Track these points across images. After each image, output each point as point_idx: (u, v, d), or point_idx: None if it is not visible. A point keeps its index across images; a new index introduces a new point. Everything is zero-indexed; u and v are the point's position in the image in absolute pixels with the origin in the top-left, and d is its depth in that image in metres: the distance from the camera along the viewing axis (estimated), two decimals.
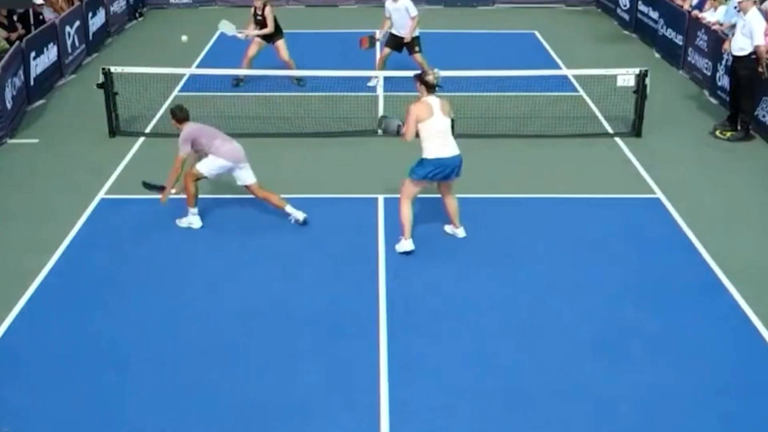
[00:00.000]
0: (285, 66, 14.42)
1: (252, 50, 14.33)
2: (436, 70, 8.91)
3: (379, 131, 9.20)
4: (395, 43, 14.13)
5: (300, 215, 9.61)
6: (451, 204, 9.25)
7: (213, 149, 9.43)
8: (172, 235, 9.48)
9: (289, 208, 9.66)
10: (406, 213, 8.92)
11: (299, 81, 14.52)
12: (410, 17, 13.86)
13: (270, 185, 10.61)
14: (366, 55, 15.34)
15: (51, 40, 14.67)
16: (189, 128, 9.57)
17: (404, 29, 13.94)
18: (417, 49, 14.09)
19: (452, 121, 8.92)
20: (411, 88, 14.06)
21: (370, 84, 14.13)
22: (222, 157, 9.41)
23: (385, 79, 13.73)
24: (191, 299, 8.25)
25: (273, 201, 9.68)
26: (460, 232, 9.36)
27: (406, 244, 8.96)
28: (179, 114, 9.69)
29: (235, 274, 8.72)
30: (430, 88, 8.81)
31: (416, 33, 14.08)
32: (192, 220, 9.67)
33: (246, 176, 9.61)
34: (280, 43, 14.41)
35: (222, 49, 17.19)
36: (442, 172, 8.80)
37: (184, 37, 14.02)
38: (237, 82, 14.55)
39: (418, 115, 8.69)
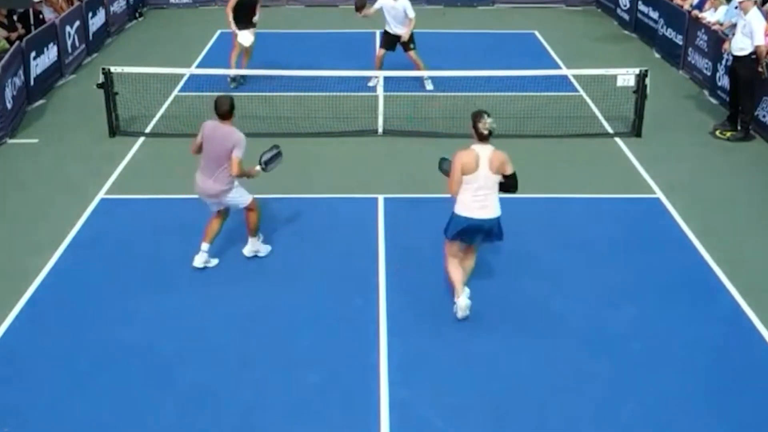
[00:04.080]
0: (242, 59, 14.42)
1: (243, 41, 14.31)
2: (489, 120, 7.47)
3: (440, 171, 8.11)
4: (389, 41, 14.14)
5: (250, 250, 8.94)
6: (468, 263, 8.02)
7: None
8: (172, 235, 9.47)
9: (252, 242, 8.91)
10: (453, 272, 7.87)
11: (240, 80, 14.52)
12: (408, 18, 13.88)
13: (270, 185, 10.61)
14: (366, 56, 15.37)
15: (51, 40, 14.67)
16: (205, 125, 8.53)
17: (400, 28, 13.95)
18: (411, 46, 14.11)
19: (512, 176, 7.67)
20: (411, 88, 14.25)
21: (371, 84, 14.13)
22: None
23: (385, 78, 13.72)
24: (191, 299, 8.25)
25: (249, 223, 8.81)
26: (462, 299, 7.85)
27: (461, 302, 7.78)
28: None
29: (234, 275, 8.71)
30: (481, 138, 7.52)
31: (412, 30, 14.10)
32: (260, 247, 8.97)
33: (233, 204, 8.63)
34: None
35: (222, 50, 17.17)
36: (470, 235, 7.72)
37: (246, 42, 13.85)
38: (236, 84, 14.52)
39: (462, 165, 7.48)
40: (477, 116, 7.47)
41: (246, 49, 14.30)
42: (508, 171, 7.59)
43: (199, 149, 8.45)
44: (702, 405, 6.80)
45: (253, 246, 8.87)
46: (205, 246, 8.59)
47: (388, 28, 14.10)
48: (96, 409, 6.69)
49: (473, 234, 7.69)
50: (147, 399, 6.80)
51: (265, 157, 8.85)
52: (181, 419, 6.59)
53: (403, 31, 13.95)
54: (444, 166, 8.07)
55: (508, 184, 7.67)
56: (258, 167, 8.72)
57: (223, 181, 8.31)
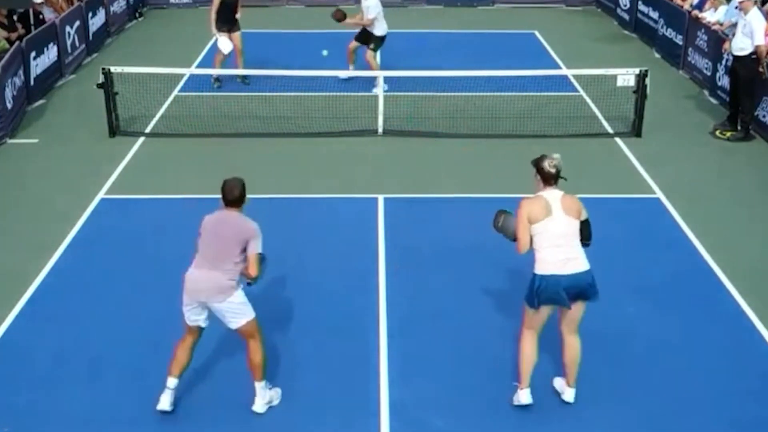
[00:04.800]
0: (234, 59, 14.44)
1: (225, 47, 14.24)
2: (556, 156, 6.49)
3: (494, 229, 6.90)
4: (362, 37, 14.23)
5: (262, 404, 6.68)
6: (571, 347, 6.62)
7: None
8: (172, 235, 9.46)
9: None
10: (525, 351, 6.56)
11: (244, 80, 14.54)
12: (366, 17, 13.95)
13: (270, 185, 10.64)
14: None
15: (51, 40, 14.66)
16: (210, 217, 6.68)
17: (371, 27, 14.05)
18: (372, 47, 14.13)
19: (587, 223, 6.58)
20: (411, 87, 14.25)
21: (376, 88, 13.52)
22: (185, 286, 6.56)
23: (384, 79, 13.69)
24: None
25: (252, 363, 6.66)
26: (569, 395, 6.69)
27: (522, 395, 6.62)
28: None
29: None
30: (549, 179, 6.44)
31: (382, 33, 14.09)
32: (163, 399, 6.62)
33: (229, 317, 6.50)
34: (237, 34, 14.38)
35: None
36: (558, 295, 6.34)
37: (325, 52, 13.73)
38: (218, 83, 14.51)
39: (529, 214, 6.38)
40: (541, 157, 6.49)
41: (239, 49, 14.28)
42: (584, 215, 6.53)
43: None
44: (702, 405, 6.80)
45: (263, 397, 6.67)
46: (172, 382, 6.61)
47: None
48: (96, 409, 6.68)
49: (565, 293, 6.35)
50: (147, 399, 6.79)
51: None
52: (182, 419, 6.58)
53: (370, 29, 13.98)
54: (501, 222, 6.84)
55: (583, 233, 6.55)
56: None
57: (230, 275, 6.40)
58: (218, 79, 14.46)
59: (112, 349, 7.44)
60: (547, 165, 6.40)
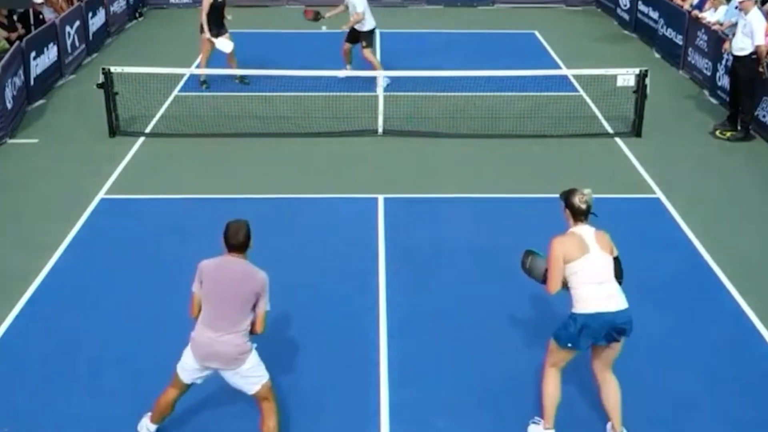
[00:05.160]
0: (227, 63, 14.41)
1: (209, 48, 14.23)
2: (587, 191, 6.24)
3: (522, 271, 6.60)
4: (352, 36, 14.24)
5: None
6: (612, 388, 6.29)
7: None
8: (172, 235, 9.47)
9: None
10: (549, 390, 6.26)
11: (242, 80, 14.51)
12: (355, 12, 13.96)
13: (270, 185, 10.65)
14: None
15: (51, 40, 14.67)
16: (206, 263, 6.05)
17: (358, 24, 14.05)
18: (364, 44, 14.15)
19: (617, 260, 6.24)
20: (411, 87, 14.25)
21: (385, 84, 13.55)
22: (190, 346, 5.98)
23: (384, 78, 13.71)
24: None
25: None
26: None
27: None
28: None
29: None
30: (579, 215, 6.18)
31: (369, 28, 14.12)
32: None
33: (243, 383, 5.96)
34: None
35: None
36: (598, 333, 6.03)
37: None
38: (205, 84, 14.46)
39: (565, 253, 6.05)
40: (570, 191, 6.23)
41: (229, 52, 14.29)
42: (615, 252, 6.22)
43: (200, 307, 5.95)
44: (702, 405, 6.80)
45: None
46: (152, 427, 6.25)
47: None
48: (96, 409, 6.68)
49: (605, 331, 6.03)
50: (147, 399, 6.78)
51: None
52: (181, 419, 6.58)
53: (357, 26, 14.01)
54: (529, 264, 6.48)
55: (615, 270, 6.21)
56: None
57: (243, 335, 5.83)
58: (205, 81, 14.44)
59: (112, 349, 7.44)
60: (578, 201, 6.16)
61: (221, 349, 5.75)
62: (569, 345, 6.06)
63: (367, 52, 14.17)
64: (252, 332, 5.88)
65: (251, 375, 5.88)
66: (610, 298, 6.04)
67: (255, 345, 5.94)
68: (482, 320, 7.90)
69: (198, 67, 14.38)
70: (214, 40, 14.00)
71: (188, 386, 6.13)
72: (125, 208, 10.23)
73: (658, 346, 7.57)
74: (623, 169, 11.42)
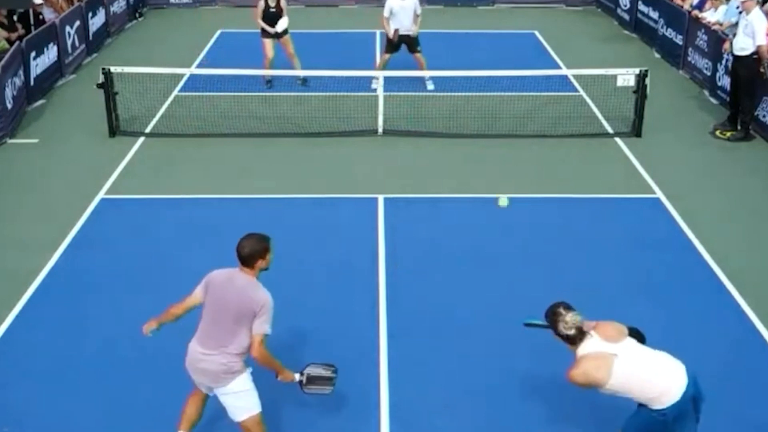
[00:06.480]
0: (289, 61, 14.42)
1: (269, 50, 14.27)
2: (570, 315, 5.42)
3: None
4: (397, 43, 14.20)
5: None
6: None
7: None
8: (172, 235, 9.47)
9: None
10: None
11: (304, 81, 14.51)
12: (416, 15, 14.05)
13: (270, 185, 10.64)
14: (366, 55, 15.36)
15: (51, 40, 14.67)
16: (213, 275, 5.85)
17: (409, 28, 14.04)
18: (419, 48, 14.21)
19: (632, 330, 5.66)
20: (410, 88, 14.24)
21: (374, 86, 14.05)
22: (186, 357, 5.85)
23: (384, 78, 13.72)
24: None
25: None
26: None
27: None
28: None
29: None
30: (573, 342, 5.43)
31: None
32: None
33: (229, 406, 5.77)
34: (287, 38, 14.41)
35: (222, 49, 17.22)
36: (690, 413, 5.51)
37: (503, 201, 10.32)
38: (269, 84, 14.51)
39: (603, 376, 5.34)
40: (554, 320, 5.44)
41: (291, 53, 14.36)
42: (626, 330, 5.60)
43: (187, 308, 5.92)
44: (702, 404, 6.79)
45: None
46: None
47: (399, 30, 14.08)
48: (96, 409, 6.68)
49: (687, 415, 5.53)
50: (147, 399, 6.80)
51: (312, 371, 6.03)
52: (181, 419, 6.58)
53: (413, 29, 14.06)
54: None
55: (636, 336, 5.70)
56: (296, 376, 5.93)
57: (233, 356, 5.59)
58: (270, 80, 14.48)
59: (112, 349, 7.44)
60: (564, 329, 5.39)
61: (208, 366, 5.62)
62: None
63: (419, 56, 14.27)
64: (253, 355, 5.60)
65: (239, 400, 5.66)
66: (671, 373, 5.45)
67: (250, 369, 5.73)
68: (482, 320, 7.90)
69: (262, 68, 14.35)
70: (269, 29, 14.07)
71: (205, 393, 5.99)
72: (125, 208, 10.23)
73: (658, 346, 7.52)
74: (623, 169, 11.41)
